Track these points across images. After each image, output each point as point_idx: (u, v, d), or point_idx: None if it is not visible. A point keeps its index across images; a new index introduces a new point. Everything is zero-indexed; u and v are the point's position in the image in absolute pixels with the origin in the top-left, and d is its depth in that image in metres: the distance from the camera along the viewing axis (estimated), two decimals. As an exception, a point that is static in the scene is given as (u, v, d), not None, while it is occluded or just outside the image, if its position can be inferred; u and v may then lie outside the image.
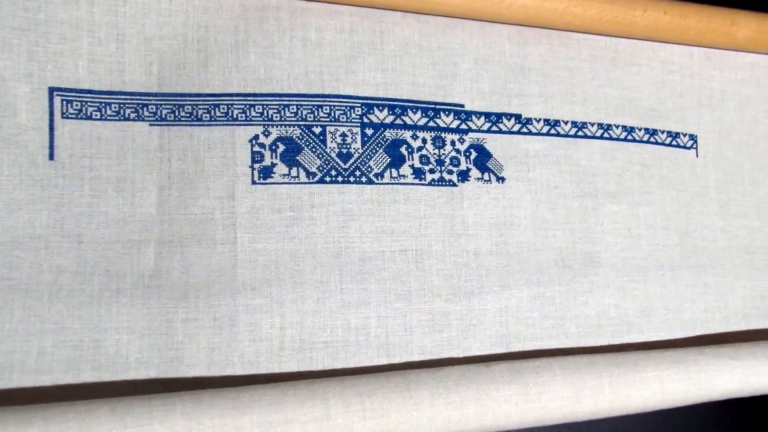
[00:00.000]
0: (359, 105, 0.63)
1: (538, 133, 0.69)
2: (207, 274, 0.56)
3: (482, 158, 0.66)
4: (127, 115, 0.56)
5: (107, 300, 0.53)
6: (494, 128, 0.67)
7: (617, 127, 0.72)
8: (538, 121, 0.69)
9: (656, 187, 0.73)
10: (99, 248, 0.54)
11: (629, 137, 0.73)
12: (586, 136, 0.70)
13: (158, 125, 0.57)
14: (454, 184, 0.65)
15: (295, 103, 0.61)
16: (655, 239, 0.71)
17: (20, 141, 0.53)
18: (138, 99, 0.56)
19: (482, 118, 0.67)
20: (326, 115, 0.62)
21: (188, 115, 0.58)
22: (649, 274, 0.70)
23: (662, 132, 0.75)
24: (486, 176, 0.66)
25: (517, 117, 0.68)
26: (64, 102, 0.54)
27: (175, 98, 0.58)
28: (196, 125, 0.57)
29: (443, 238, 0.63)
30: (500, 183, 0.66)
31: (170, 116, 0.57)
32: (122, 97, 0.56)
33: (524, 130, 0.68)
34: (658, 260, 0.71)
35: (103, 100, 0.55)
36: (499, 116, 0.67)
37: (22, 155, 0.53)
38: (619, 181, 0.71)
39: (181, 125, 0.57)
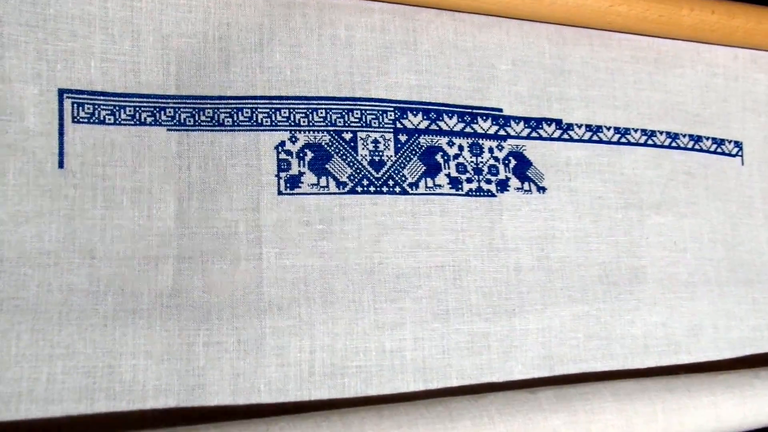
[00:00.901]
0: (392, 109, 0.59)
1: (580, 140, 0.64)
2: (230, 293, 0.52)
3: (522, 166, 0.62)
4: (143, 120, 0.53)
5: (122, 322, 0.49)
6: (534, 134, 0.63)
7: (661, 133, 0.68)
8: (580, 126, 0.65)
9: (702, 197, 0.69)
10: (113, 265, 0.50)
11: (673, 144, 0.68)
12: (629, 143, 0.66)
13: (177, 130, 0.53)
14: (493, 195, 0.60)
15: (324, 107, 0.57)
16: (701, 253, 0.67)
17: (27, 147, 0.50)
18: (155, 102, 0.53)
19: (521, 123, 0.63)
20: (357, 120, 0.58)
21: (209, 119, 0.54)
22: (697, 291, 0.66)
23: (707, 138, 0.70)
24: (526, 186, 0.62)
25: (558, 122, 0.64)
26: (75, 105, 0.51)
27: (194, 101, 0.54)
28: (217, 130, 0.54)
29: (482, 252, 0.59)
30: (541, 193, 0.62)
31: (189, 121, 0.54)
32: (138, 99, 0.53)
33: (565, 136, 0.64)
34: (705, 275, 0.67)
35: (117, 103, 0.52)
36: (539, 121, 0.63)
37: (29, 163, 0.49)
38: (664, 191, 0.67)
39: (201, 130, 0.54)
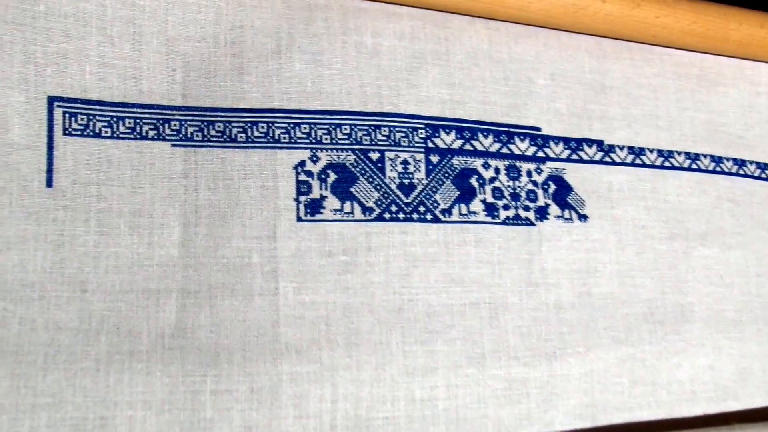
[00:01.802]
0: (423, 126, 0.53)
1: (622, 163, 0.59)
2: (242, 333, 0.47)
3: (562, 192, 0.56)
4: (144, 133, 0.48)
5: (117, 366, 0.44)
6: (574, 156, 0.58)
7: (705, 156, 0.63)
8: (622, 148, 0.59)
9: (747, 227, 0.63)
10: (107, 299, 0.45)
11: (717, 168, 0.63)
12: (673, 167, 0.61)
13: (183, 146, 0.48)
14: (532, 223, 0.55)
15: (348, 122, 0.52)
16: (748, 288, 0.62)
17: (10, 163, 0.45)
18: (158, 113, 0.48)
19: (561, 144, 0.57)
20: (385, 138, 0.52)
21: (219, 134, 0.49)
22: (745, 330, 0.60)
23: (751, 163, 0.65)
24: (567, 214, 0.56)
25: (599, 144, 0.59)
26: (67, 115, 0.46)
27: (203, 113, 0.49)
28: (229, 147, 0.49)
29: (520, 287, 0.54)
30: (582, 222, 0.56)
31: (197, 135, 0.49)
32: (139, 110, 0.48)
33: (607, 159, 0.59)
34: (752, 313, 0.61)
35: (114, 114, 0.47)
36: (580, 142, 0.58)
37: (12, 181, 0.44)
38: (710, 220, 0.61)
39: (210, 147, 0.49)
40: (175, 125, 0.48)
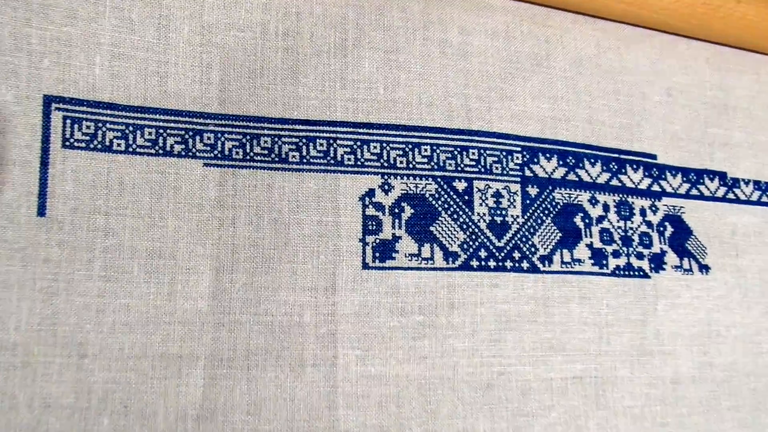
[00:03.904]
0: (519, 149, 0.44)
1: (747, 201, 0.50)
2: (289, 416, 0.38)
3: (680, 236, 0.47)
4: (168, 148, 0.39)
5: None
6: (694, 191, 0.48)
7: (836, 194, 0.53)
8: (747, 183, 0.50)
9: None
10: (113, 367, 0.37)
11: None
12: (803, 207, 0.51)
13: (218, 166, 0.40)
14: (646, 275, 0.45)
15: (429, 141, 0.43)
16: None
17: None
18: (187, 122, 0.39)
19: (679, 176, 0.48)
20: (473, 164, 0.43)
21: (266, 152, 0.40)
22: None
23: None
24: (686, 263, 0.47)
25: (722, 176, 0.49)
26: (68, 121, 0.38)
27: (245, 124, 0.40)
28: (277, 169, 0.41)
29: (632, 357, 0.44)
30: (703, 274, 0.47)
31: (237, 153, 0.40)
32: (162, 117, 0.39)
33: (730, 195, 0.49)
34: None
35: (131, 122, 0.39)
36: (700, 174, 0.48)
37: None
38: (842, 272, 0.52)
39: (253, 168, 0.40)
40: (208, 138, 0.40)
